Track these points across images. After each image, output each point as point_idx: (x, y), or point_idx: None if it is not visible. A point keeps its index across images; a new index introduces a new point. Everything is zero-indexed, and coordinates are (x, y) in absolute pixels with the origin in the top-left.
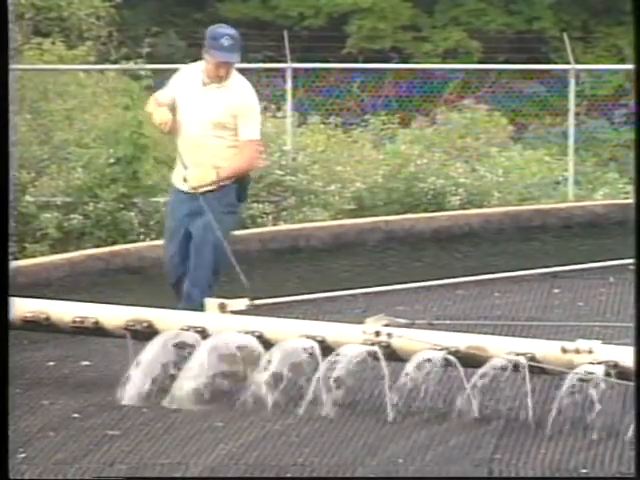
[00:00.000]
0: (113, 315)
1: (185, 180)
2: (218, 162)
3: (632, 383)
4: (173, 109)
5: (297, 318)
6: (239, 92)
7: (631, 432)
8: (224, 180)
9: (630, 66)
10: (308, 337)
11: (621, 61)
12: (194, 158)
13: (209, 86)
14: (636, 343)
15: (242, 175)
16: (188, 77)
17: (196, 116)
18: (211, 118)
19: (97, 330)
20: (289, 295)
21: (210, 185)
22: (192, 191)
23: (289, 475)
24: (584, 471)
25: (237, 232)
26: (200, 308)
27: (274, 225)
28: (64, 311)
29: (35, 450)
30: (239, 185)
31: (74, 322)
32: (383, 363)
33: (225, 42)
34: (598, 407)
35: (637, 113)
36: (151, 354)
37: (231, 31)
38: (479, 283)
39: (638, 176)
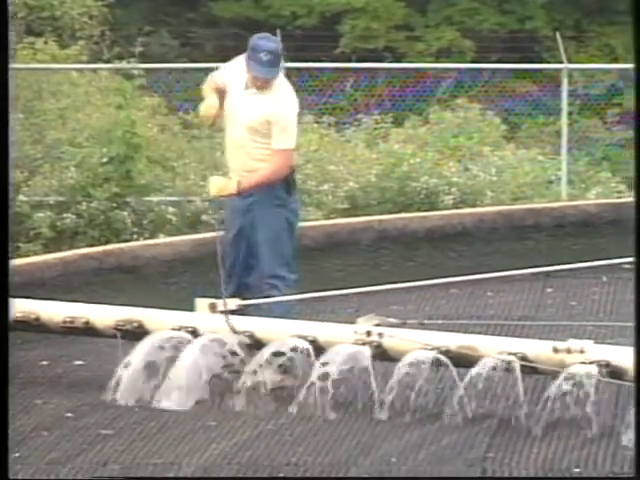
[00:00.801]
0: (103, 315)
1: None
2: (254, 164)
3: (624, 382)
4: (222, 96)
5: (289, 318)
6: (277, 101)
7: (625, 432)
8: (246, 191)
9: (623, 65)
10: (300, 337)
11: (614, 60)
12: (234, 158)
13: (251, 90)
14: (636, 343)
15: (274, 182)
16: (238, 72)
17: (235, 118)
18: (247, 122)
19: (88, 330)
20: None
21: (230, 196)
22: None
23: (282, 475)
24: (577, 470)
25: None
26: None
27: None
28: (54, 311)
29: (29, 449)
30: (285, 179)
31: (64, 322)
32: (371, 363)
33: (264, 57)
34: (591, 406)
35: (637, 113)
36: (142, 354)
37: (272, 45)
38: (472, 282)
39: (638, 176)
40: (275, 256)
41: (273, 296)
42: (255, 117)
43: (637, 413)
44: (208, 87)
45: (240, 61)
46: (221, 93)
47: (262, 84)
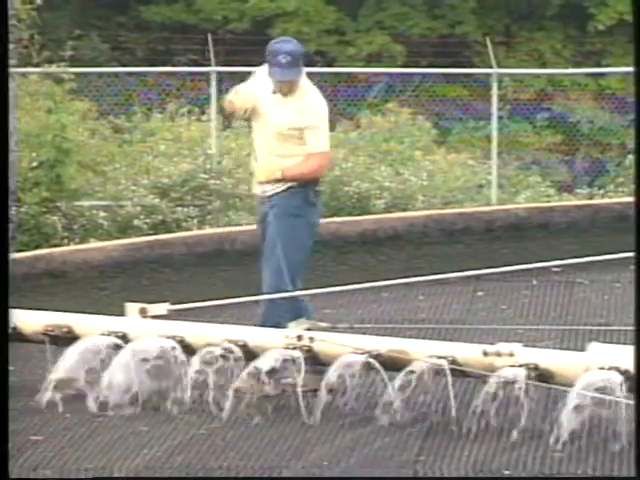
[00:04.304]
0: (31, 320)
1: (252, 174)
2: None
3: (552, 385)
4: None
5: (222, 322)
6: (306, 105)
7: (553, 432)
8: (289, 179)
9: (552, 70)
10: (230, 341)
11: (542, 65)
12: (265, 165)
13: (277, 96)
14: (636, 343)
15: (308, 180)
16: (264, 82)
17: (264, 125)
18: (277, 129)
19: (15, 335)
20: (215, 299)
21: (275, 182)
22: (262, 194)
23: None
24: (507, 472)
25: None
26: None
27: (199, 229)
28: None
29: None
30: (305, 189)
31: None
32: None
33: (282, 60)
34: (520, 409)
35: (636, 114)
36: (72, 359)
37: (290, 47)
38: (403, 286)
39: (638, 176)
40: (279, 267)
41: (270, 308)
42: (284, 123)
43: (637, 413)
44: (232, 94)
45: (264, 71)
46: (248, 102)
47: (287, 88)
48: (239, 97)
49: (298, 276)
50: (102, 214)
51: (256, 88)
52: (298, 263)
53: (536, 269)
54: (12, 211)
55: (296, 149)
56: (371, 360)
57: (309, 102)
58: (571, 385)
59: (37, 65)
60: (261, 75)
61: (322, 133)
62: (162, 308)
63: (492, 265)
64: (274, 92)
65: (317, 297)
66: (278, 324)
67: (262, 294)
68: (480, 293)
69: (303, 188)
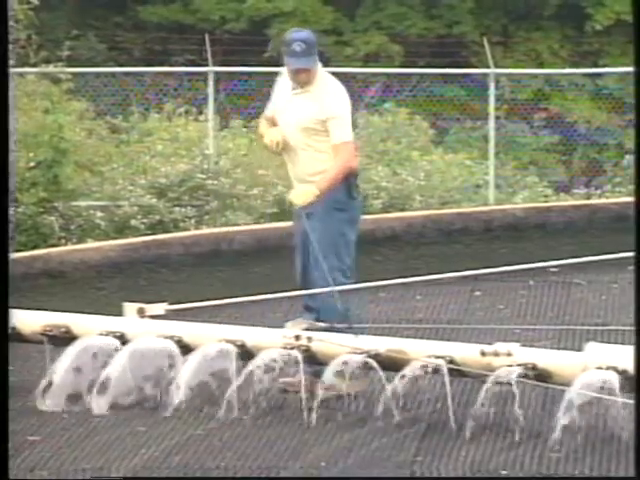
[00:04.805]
0: (30, 320)
1: (290, 202)
2: (316, 165)
3: (550, 385)
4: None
5: (220, 322)
6: (324, 96)
7: (553, 433)
8: (326, 191)
9: (549, 70)
10: (228, 341)
11: (540, 65)
12: (294, 164)
13: (296, 91)
14: (636, 343)
15: (347, 174)
16: (283, 84)
17: (287, 124)
18: (299, 124)
19: (14, 336)
20: (212, 299)
21: (315, 200)
22: (304, 209)
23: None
24: (504, 472)
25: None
26: (340, 316)
27: (197, 229)
28: None
29: None
30: (346, 182)
31: None
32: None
33: (297, 47)
34: (518, 409)
35: (636, 115)
36: (70, 359)
37: (303, 35)
38: (401, 286)
39: (638, 176)
40: (331, 261)
41: (328, 302)
42: (307, 117)
43: (637, 414)
44: (263, 124)
45: (283, 77)
46: (275, 123)
47: (304, 78)
48: (268, 132)
49: (350, 270)
50: (99, 214)
51: (276, 95)
52: (347, 257)
53: (533, 269)
54: (11, 211)
55: (323, 143)
56: (369, 360)
57: (329, 93)
58: (569, 385)
59: (34, 65)
60: (280, 81)
61: (345, 123)
62: (160, 308)
63: (490, 265)
64: (293, 88)
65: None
66: (342, 314)
67: (304, 292)
68: (478, 293)
69: (345, 182)
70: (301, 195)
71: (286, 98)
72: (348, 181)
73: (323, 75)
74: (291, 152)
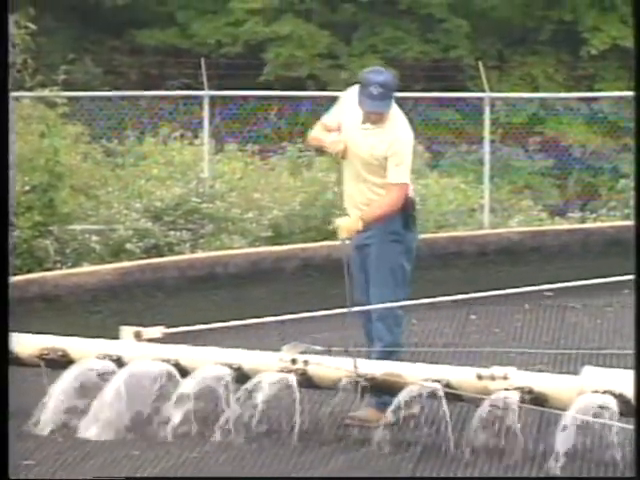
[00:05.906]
0: (27, 344)
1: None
2: (373, 198)
3: (546, 409)
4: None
5: (215, 346)
6: (393, 135)
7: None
8: (370, 224)
9: (544, 95)
10: (224, 365)
11: (535, 90)
12: (353, 194)
13: (365, 126)
14: (636, 359)
15: (404, 206)
16: (354, 109)
17: (353, 154)
18: (365, 159)
19: (11, 359)
20: (207, 322)
21: (357, 233)
22: (357, 241)
23: None
24: None
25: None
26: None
27: (192, 252)
28: None
29: None
30: (403, 214)
31: None
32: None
33: (374, 91)
34: (514, 432)
35: (636, 121)
36: (66, 383)
37: (382, 78)
38: None
39: (638, 181)
40: (387, 293)
41: (382, 335)
42: (372, 153)
43: (637, 414)
44: (319, 129)
45: (350, 95)
46: (329, 130)
47: (376, 119)
48: (327, 137)
49: (403, 299)
50: (95, 238)
51: (343, 118)
52: (402, 287)
53: (528, 293)
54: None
55: (382, 179)
56: (365, 384)
57: (395, 132)
58: (565, 408)
59: (30, 89)
60: (348, 102)
61: (404, 164)
62: (157, 331)
63: (485, 289)
64: (363, 122)
65: (310, 321)
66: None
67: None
68: (473, 317)
69: (401, 214)
70: (346, 227)
71: (355, 128)
72: (405, 213)
73: (394, 113)
74: (351, 181)
